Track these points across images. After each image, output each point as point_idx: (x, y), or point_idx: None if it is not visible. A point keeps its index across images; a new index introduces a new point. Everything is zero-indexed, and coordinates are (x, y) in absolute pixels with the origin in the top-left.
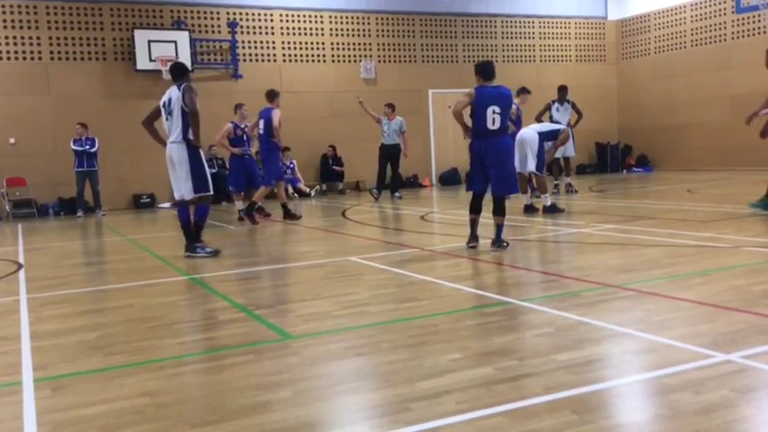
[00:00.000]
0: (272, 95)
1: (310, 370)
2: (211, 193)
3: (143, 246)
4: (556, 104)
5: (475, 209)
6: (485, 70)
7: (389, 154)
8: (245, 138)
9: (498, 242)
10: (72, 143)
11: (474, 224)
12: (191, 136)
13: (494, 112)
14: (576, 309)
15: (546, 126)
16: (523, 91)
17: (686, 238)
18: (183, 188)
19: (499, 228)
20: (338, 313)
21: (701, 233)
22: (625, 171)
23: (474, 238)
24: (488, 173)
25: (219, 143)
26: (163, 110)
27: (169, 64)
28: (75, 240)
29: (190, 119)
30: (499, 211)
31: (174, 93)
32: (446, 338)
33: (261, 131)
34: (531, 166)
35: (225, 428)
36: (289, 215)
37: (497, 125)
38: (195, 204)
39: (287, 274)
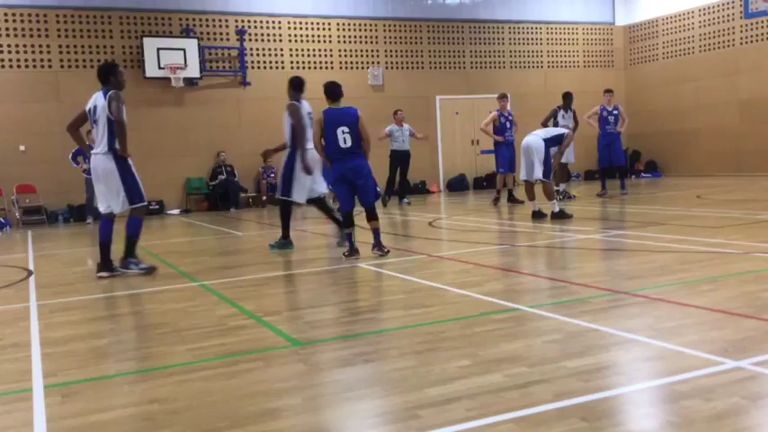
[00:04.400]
0: (503, 97)
1: (319, 377)
2: (146, 203)
3: (152, 252)
4: (561, 111)
5: (351, 222)
6: (332, 92)
7: (401, 160)
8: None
9: (378, 245)
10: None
11: (352, 237)
12: (117, 146)
13: (343, 132)
14: (585, 315)
15: (550, 131)
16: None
17: (696, 244)
18: (112, 201)
19: (377, 232)
20: (346, 320)
21: (710, 239)
22: (634, 176)
23: (356, 250)
24: (356, 189)
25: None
26: (89, 116)
27: (180, 72)
28: (85, 247)
29: (116, 129)
30: (373, 216)
31: (99, 100)
32: (455, 345)
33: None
34: (539, 173)
35: None
36: (515, 200)
37: (349, 143)
38: (129, 217)
39: (295, 281)
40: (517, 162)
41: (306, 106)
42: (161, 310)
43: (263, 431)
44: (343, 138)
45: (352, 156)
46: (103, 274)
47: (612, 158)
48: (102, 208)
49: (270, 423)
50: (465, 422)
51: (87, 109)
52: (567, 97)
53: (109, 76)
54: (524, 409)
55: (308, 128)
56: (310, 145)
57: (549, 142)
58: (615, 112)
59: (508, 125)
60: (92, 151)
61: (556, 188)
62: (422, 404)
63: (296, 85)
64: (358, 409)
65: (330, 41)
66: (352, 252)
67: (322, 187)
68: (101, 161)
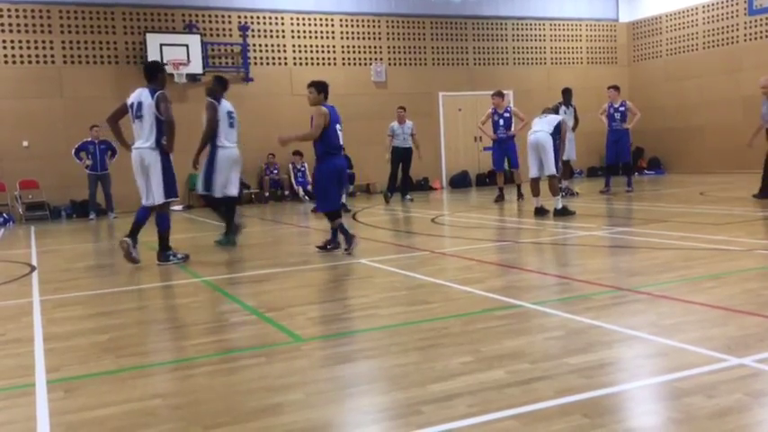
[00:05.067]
0: (496, 95)
1: (321, 372)
2: (178, 198)
3: (155, 248)
4: (563, 107)
5: (340, 214)
6: (326, 90)
7: (402, 157)
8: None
9: (335, 241)
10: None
11: (344, 226)
12: (164, 142)
13: (339, 129)
14: (587, 312)
15: (552, 122)
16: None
17: (699, 241)
18: (155, 193)
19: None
20: (348, 316)
21: (713, 236)
22: (637, 173)
23: (352, 236)
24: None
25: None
26: (130, 110)
27: (183, 67)
28: (88, 243)
29: (165, 128)
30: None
31: (145, 97)
32: (457, 341)
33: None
34: (551, 168)
35: (236, 430)
36: (521, 196)
37: (342, 140)
38: (157, 213)
39: (297, 277)
40: (522, 159)
41: (227, 105)
42: (163, 305)
43: (264, 427)
44: (340, 134)
45: (342, 154)
46: (127, 239)
47: (619, 155)
48: (145, 201)
49: (271, 419)
50: (466, 418)
51: (129, 103)
52: (567, 93)
53: (157, 74)
54: (526, 405)
55: (225, 126)
56: (226, 143)
57: (555, 134)
58: (622, 108)
59: (501, 122)
60: (134, 145)
61: (559, 185)
62: (423, 400)
63: (223, 85)
64: (360, 405)
65: (333, 38)
66: (350, 240)
67: (234, 190)
68: (146, 155)
